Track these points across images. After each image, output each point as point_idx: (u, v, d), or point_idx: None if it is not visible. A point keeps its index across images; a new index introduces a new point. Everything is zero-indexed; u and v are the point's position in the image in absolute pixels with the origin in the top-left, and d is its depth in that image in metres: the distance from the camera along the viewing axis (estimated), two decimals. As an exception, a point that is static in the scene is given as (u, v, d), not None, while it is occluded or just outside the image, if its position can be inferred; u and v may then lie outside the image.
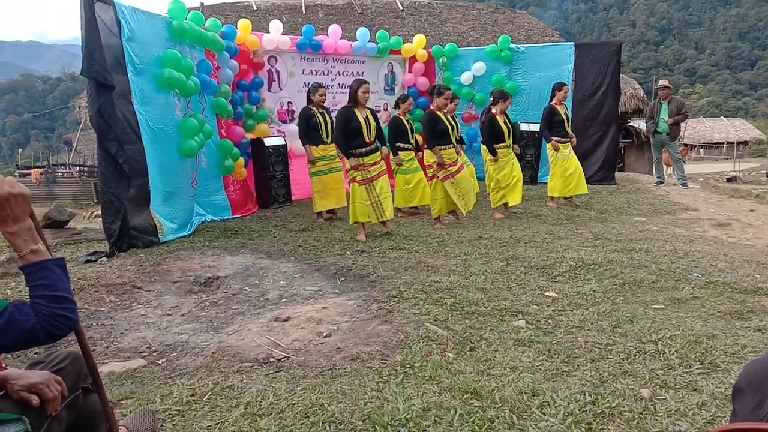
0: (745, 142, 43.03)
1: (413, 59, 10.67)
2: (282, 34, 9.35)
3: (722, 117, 51.16)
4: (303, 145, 7.56)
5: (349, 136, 6.31)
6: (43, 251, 1.59)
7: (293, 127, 9.66)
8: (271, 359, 3.17)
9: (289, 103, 9.74)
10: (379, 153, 6.50)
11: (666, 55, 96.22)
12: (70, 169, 19.58)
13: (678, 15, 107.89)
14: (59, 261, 1.61)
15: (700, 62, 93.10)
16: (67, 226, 6.91)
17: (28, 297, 1.56)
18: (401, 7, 16.79)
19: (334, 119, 7.38)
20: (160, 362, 3.27)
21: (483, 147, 7.97)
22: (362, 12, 16.32)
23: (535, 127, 10.24)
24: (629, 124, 18.68)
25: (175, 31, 6.71)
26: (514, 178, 7.70)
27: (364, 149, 6.34)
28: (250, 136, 8.90)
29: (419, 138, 7.97)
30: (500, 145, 7.63)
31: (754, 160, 33.35)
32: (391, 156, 7.05)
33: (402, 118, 7.52)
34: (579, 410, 2.44)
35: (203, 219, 7.34)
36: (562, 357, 3.06)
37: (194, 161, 7.11)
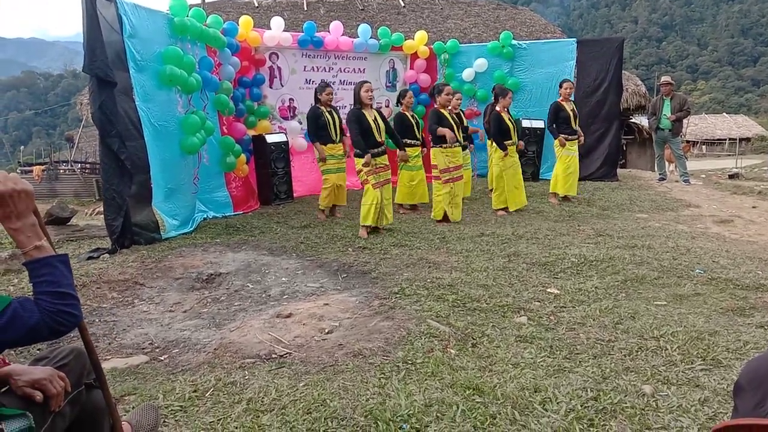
0: (748, 139, 42.92)
1: (415, 56, 10.64)
2: (283, 30, 9.33)
3: (724, 113, 51.02)
4: (312, 143, 7.56)
5: (363, 137, 6.36)
6: (46, 247, 1.59)
7: (295, 124, 9.68)
8: (274, 355, 3.17)
9: (290, 99, 9.73)
10: (386, 156, 6.56)
11: (668, 51, 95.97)
12: (72, 166, 19.59)
13: (680, 11, 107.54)
14: (63, 257, 1.61)
15: (702, 58, 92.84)
16: (69, 223, 6.92)
17: (31, 293, 1.56)
18: (403, 4, 16.76)
19: (341, 118, 7.42)
20: (162, 358, 3.28)
21: (489, 144, 7.96)
22: (364, 8, 16.30)
23: (537, 124, 10.23)
24: (631, 120, 18.66)
25: (177, 27, 6.71)
26: (518, 182, 7.66)
27: (376, 150, 6.39)
28: (251, 132, 8.89)
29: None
30: (508, 142, 7.62)
31: (756, 157, 33.27)
32: (398, 151, 7.03)
33: (406, 113, 7.55)
34: (581, 406, 2.44)
35: (205, 216, 7.35)
36: (564, 353, 3.06)
37: (196, 158, 7.11)
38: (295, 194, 9.09)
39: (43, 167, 17.75)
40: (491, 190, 8.17)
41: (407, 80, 10.60)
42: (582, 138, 8.36)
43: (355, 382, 2.72)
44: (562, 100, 8.24)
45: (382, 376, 2.79)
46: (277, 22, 9.29)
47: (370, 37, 10.04)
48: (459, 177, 7.06)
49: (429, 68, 10.76)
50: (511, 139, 7.65)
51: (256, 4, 15.91)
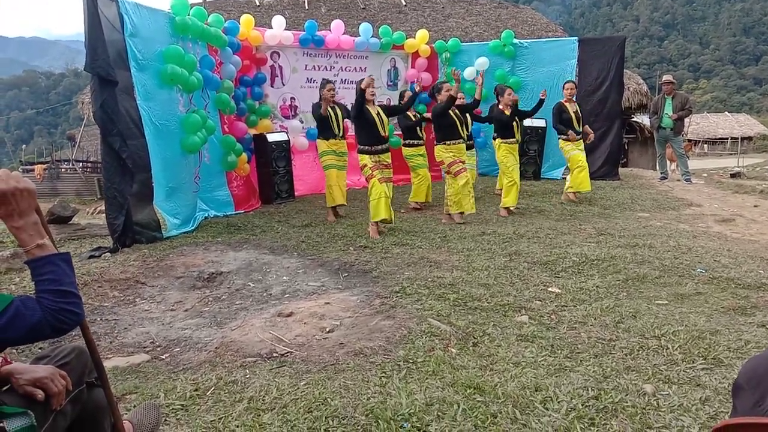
0: (750, 138, 42.83)
1: (416, 55, 10.64)
2: (285, 29, 9.34)
3: (726, 112, 50.93)
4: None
5: (365, 132, 6.39)
6: (48, 246, 1.59)
7: (296, 123, 9.69)
8: (275, 354, 3.18)
9: (291, 98, 9.74)
10: (389, 154, 6.60)
11: (670, 50, 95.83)
12: (73, 164, 19.59)
13: (682, 10, 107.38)
14: (65, 256, 1.61)
15: (704, 57, 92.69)
16: (70, 222, 6.93)
17: (33, 292, 1.57)
18: (404, 3, 16.75)
19: (345, 114, 7.47)
20: (163, 357, 3.29)
21: (495, 141, 7.95)
22: (365, 7, 16.29)
23: (539, 123, 10.22)
24: (633, 119, 18.63)
25: (178, 26, 6.71)
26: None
27: (381, 146, 6.43)
28: (252, 131, 8.90)
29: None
30: (510, 140, 7.61)
31: (758, 156, 33.23)
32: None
33: (408, 112, 7.57)
34: (582, 405, 2.44)
35: (206, 214, 7.35)
36: (565, 352, 3.06)
37: (197, 157, 7.11)
38: (296, 193, 9.10)
39: (44, 166, 17.76)
40: (500, 190, 8.16)
41: (408, 79, 10.59)
42: (591, 135, 8.32)
43: (356, 381, 2.72)
44: (565, 101, 8.24)
45: (383, 375, 2.79)
46: (279, 21, 9.29)
47: (372, 36, 10.04)
48: (466, 169, 7.05)
49: (430, 67, 10.75)
50: (513, 137, 7.65)
51: (258, 3, 15.91)
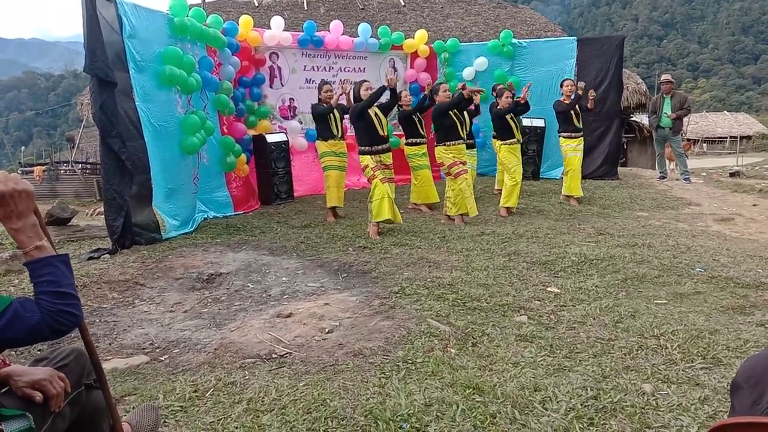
0: (749, 137, 42.84)
1: (415, 55, 10.64)
2: (283, 30, 9.34)
3: (725, 111, 50.92)
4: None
5: (365, 133, 6.40)
6: (47, 247, 1.59)
7: (295, 124, 9.69)
8: (274, 355, 3.18)
9: (290, 99, 9.74)
10: (390, 154, 6.59)
11: (669, 49, 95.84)
12: (72, 166, 19.59)
13: (681, 9, 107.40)
14: (63, 257, 1.61)
15: (703, 56, 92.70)
16: (69, 223, 6.92)
17: (32, 294, 1.57)
18: (403, 3, 16.75)
19: (344, 116, 7.48)
20: (162, 359, 3.28)
21: (495, 143, 7.96)
22: (364, 8, 16.29)
23: (538, 122, 10.23)
24: (632, 118, 18.62)
25: (177, 27, 6.71)
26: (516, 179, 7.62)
27: (381, 146, 6.43)
28: (251, 132, 8.90)
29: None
30: (511, 140, 7.62)
31: (757, 155, 33.27)
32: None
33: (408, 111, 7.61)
34: (581, 405, 2.44)
35: (205, 216, 7.35)
36: (564, 352, 3.06)
37: (196, 158, 7.11)
38: (295, 194, 9.09)
39: (43, 168, 17.76)
40: (499, 190, 8.16)
41: (407, 79, 10.60)
42: (591, 99, 8.26)
43: (356, 382, 2.72)
44: (563, 100, 8.25)
45: (383, 375, 2.79)
46: (277, 22, 9.30)
47: (370, 36, 10.04)
48: (466, 170, 7.04)
49: (429, 67, 10.74)
50: (514, 137, 7.65)
51: (256, 4, 15.91)
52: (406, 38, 10.57)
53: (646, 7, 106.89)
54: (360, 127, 6.44)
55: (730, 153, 35.37)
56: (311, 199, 9.04)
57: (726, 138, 41.77)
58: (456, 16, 16.67)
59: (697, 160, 28.52)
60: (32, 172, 17.62)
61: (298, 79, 9.70)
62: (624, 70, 12.00)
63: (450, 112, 6.84)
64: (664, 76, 10.80)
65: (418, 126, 7.70)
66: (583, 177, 9.16)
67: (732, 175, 12.21)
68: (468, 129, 7.78)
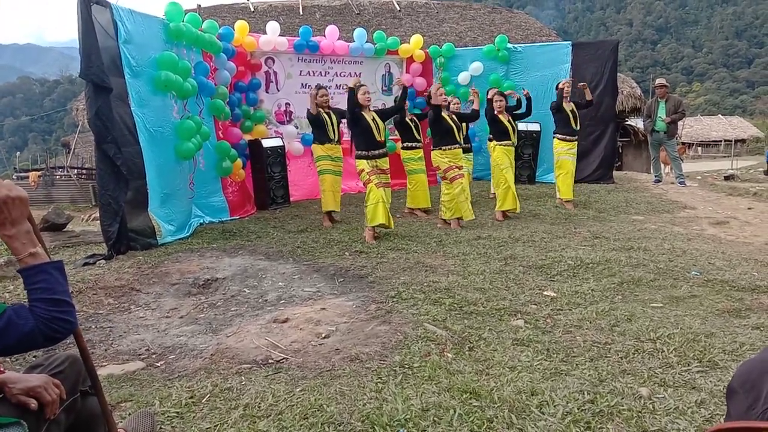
0: (743, 140, 43.11)
1: (411, 60, 10.66)
2: (279, 35, 9.34)
3: (720, 115, 51.19)
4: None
5: (362, 138, 6.40)
6: (41, 254, 1.59)
7: (291, 128, 9.69)
8: (270, 361, 3.17)
9: (286, 104, 9.75)
10: (387, 159, 6.61)
11: (663, 53, 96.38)
12: (68, 171, 19.56)
13: (675, 13, 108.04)
14: (57, 264, 1.61)
15: (697, 60, 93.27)
16: (65, 229, 6.92)
17: (26, 300, 1.56)
18: (398, 8, 16.79)
19: (341, 120, 7.49)
20: (158, 364, 3.27)
21: (489, 144, 7.97)
22: (359, 13, 16.32)
23: (533, 127, 10.25)
24: (627, 122, 18.69)
25: (172, 33, 6.71)
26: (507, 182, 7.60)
27: (378, 151, 6.44)
28: (247, 137, 8.89)
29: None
30: (507, 142, 7.64)
31: (751, 158, 33.42)
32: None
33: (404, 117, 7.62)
34: (578, 409, 2.44)
35: (201, 221, 7.33)
36: (560, 356, 3.06)
37: (192, 163, 7.10)
38: (291, 198, 9.09)
39: (39, 173, 17.73)
40: (494, 194, 8.17)
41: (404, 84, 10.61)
42: (587, 91, 8.31)
43: (352, 387, 2.71)
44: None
45: (379, 380, 2.79)
46: (273, 27, 9.31)
47: (366, 42, 10.07)
48: (462, 175, 7.04)
49: (425, 72, 10.78)
50: (509, 139, 7.68)
51: (252, 9, 15.92)
52: (401, 43, 10.60)
53: (640, 11, 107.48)
54: (357, 132, 6.44)
55: (724, 156, 35.56)
56: (307, 203, 9.04)
57: (721, 141, 42.01)
58: (451, 21, 16.71)
59: (692, 163, 28.64)
60: (27, 177, 17.57)
61: (293, 84, 9.71)
62: (619, 74, 12.06)
63: (446, 116, 6.87)
64: (659, 81, 10.85)
65: (414, 130, 7.73)
66: (579, 181, 9.19)
67: (727, 178, 12.27)
68: (464, 133, 7.80)
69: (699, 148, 41.91)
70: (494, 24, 16.80)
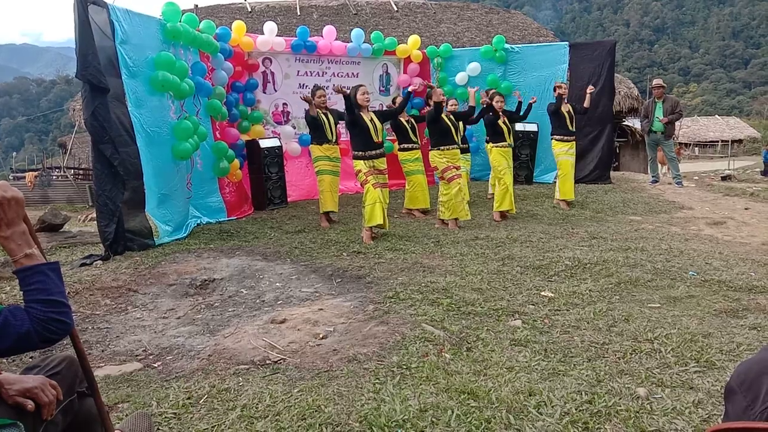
0: (740, 141, 43.17)
1: (408, 60, 10.67)
2: (276, 35, 9.34)
3: (717, 115, 51.29)
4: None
5: (359, 138, 6.40)
6: (37, 255, 1.58)
7: (288, 129, 9.68)
8: (268, 361, 3.16)
9: (284, 104, 9.74)
10: (384, 159, 6.60)
11: (660, 54, 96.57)
12: (64, 172, 19.52)
13: (672, 14, 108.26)
14: (53, 265, 1.60)
15: (694, 61, 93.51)
16: (62, 230, 6.89)
17: (22, 301, 1.55)
18: (396, 8, 16.79)
19: (338, 121, 7.49)
20: (156, 365, 3.26)
21: (487, 146, 7.98)
22: (357, 13, 16.31)
23: (531, 127, 10.26)
24: (624, 123, 18.72)
25: (169, 33, 6.70)
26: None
27: (375, 151, 6.42)
28: (245, 137, 8.88)
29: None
30: (502, 143, 7.64)
31: (748, 159, 33.49)
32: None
33: (401, 118, 7.59)
34: (576, 409, 2.44)
35: (198, 221, 7.32)
36: (558, 356, 3.06)
37: (189, 163, 7.09)
38: (289, 199, 9.08)
39: (35, 173, 17.68)
40: (491, 195, 8.18)
41: (401, 84, 10.62)
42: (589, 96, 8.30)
43: (350, 388, 2.71)
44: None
45: (377, 381, 2.78)
46: (270, 27, 9.30)
47: (364, 42, 10.06)
48: (460, 175, 7.04)
49: (422, 72, 10.78)
50: (505, 140, 7.69)
51: (249, 9, 15.90)
52: (399, 43, 10.60)
53: (637, 12, 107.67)
54: (355, 133, 6.44)
55: (721, 157, 35.62)
56: (305, 204, 9.03)
57: (717, 142, 42.08)
58: (449, 22, 16.72)
59: (689, 163, 28.70)
60: (24, 178, 17.53)
61: (291, 84, 9.70)
62: (616, 74, 12.07)
63: (443, 116, 6.87)
64: (656, 81, 10.86)
65: (410, 132, 7.71)
66: (576, 181, 9.19)
67: (724, 178, 12.30)
68: (462, 133, 7.81)
69: (696, 149, 41.98)
70: (492, 24, 16.82)
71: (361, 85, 6.53)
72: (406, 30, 15.12)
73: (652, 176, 11.09)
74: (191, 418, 2.49)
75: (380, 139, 6.49)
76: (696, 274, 4.72)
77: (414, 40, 10.60)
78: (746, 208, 8.53)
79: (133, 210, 5.99)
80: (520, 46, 11.48)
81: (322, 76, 9.95)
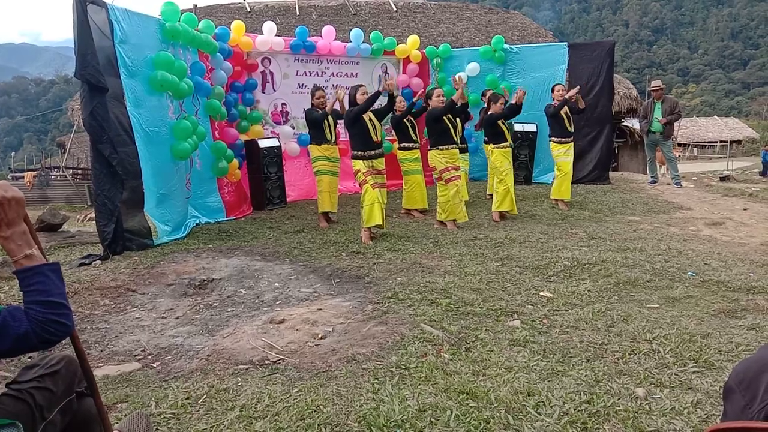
0: (739, 141, 43.25)
1: (407, 60, 10.67)
2: (276, 35, 9.34)
3: (715, 116, 51.38)
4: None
5: (358, 138, 6.40)
6: (37, 256, 1.57)
7: (287, 129, 9.68)
8: (267, 361, 3.16)
9: (283, 104, 9.73)
10: (383, 159, 6.59)
11: (659, 54, 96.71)
12: (63, 171, 19.50)
13: (671, 15, 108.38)
14: (54, 266, 1.59)
15: (693, 62, 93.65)
16: (60, 229, 6.88)
17: (21, 302, 1.55)
18: (395, 8, 16.79)
19: (336, 119, 7.48)
20: (154, 365, 3.26)
21: (487, 147, 7.98)
22: (356, 13, 16.32)
23: (530, 128, 10.26)
24: (623, 123, 18.74)
25: (168, 33, 6.69)
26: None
27: (374, 151, 6.43)
28: (244, 137, 8.88)
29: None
30: (504, 144, 7.65)
31: (747, 159, 33.56)
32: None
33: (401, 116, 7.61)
34: (574, 410, 2.44)
35: (197, 221, 7.32)
36: (557, 357, 3.06)
37: (188, 163, 7.09)
38: (288, 199, 9.08)
39: (34, 173, 17.67)
40: (490, 196, 8.17)
41: (400, 84, 10.62)
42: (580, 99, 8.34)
43: (349, 388, 2.71)
44: (555, 104, 8.28)
45: (376, 381, 2.78)
46: (270, 27, 9.30)
47: (363, 42, 10.06)
48: (458, 177, 7.04)
49: (421, 72, 10.78)
50: (506, 141, 7.69)
51: (249, 9, 15.90)
52: (398, 44, 10.60)
53: (636, 12, 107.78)
54: (354, 132, 6.45)
55: (720, 157, 35.68)
56: (304, 204, 9.03)
57: (716, 142, 42.14)
58: (448, 22, 16.73)
59: (688, 164, 28.74)
60: (23, 177, 17.52)
61: (290, 84, 9.70)
62: (615, 75, 12.08)
63: (443, 116, 6.87)
64: (654, 83, 10.85)
65: (410, 131, 7.72)
66: (575, 182, 9.20)
67: (722, 179, 12.31)
68: (461, 133, 7.80)
69: (695, 149, 42.05)
70: (491, 25, 16.83)
71: (360, 85, 6.53)
72: (405, 30, 15.14)
73: (651, 177, 11.10)
74: (190, 418, 2.49)
75: (379, 139, 6.50)
76: (695, 274, 4.72)
77: (413, 40, 10.60)
78: (745, 209, 8.54)
79: (132, 210, 5.99)
80: (519, 46, 11.48)
81: (321, 76, 9.95)
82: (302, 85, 9.70)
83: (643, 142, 12.66)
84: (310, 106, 7.48)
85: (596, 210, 8.28)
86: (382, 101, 6.77)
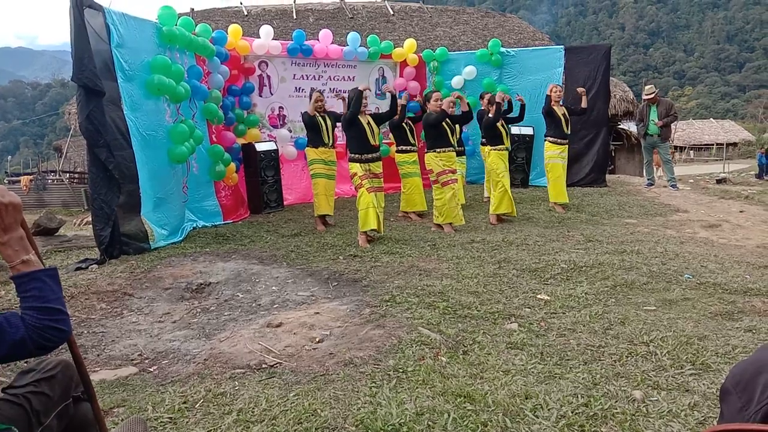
0: (735, 144, 43.38)
1: (404, 63, 10.69)
2: (273, 39, 9.35)
3: (711, 119, 51.54)
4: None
5: (355, 141, 6.41)
6: (34, 261, 1.56)
7: (284, 132, 9.68)
8: (264, 365, 3.16)
9: (280, 108, 9.74)
10: (380, 163, 6.58)
11: (655, 57, 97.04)
12: (60, 175, 19.46)
13: (666, 18, 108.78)
14: (51, 271, 1.58)
15: (689, 65, 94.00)
16: (57, 234, 6.87)
17: (18, 307, 1.55)
18: (392, 12, 16.82)
19: (334, 122, 7.49)
20: (151, 370, 3.25)
21: (483, 149, 7.99)
22: (353, 17, 16.34)
23: (527, 130, 10.28)
24: (619, 126, 18.78)
25: (165, 36, 6.70)
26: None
27: (371, 155, 6.43)
28: (241, 141, 8.88)
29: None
30: (501, 147, 7.66)
31: (743, 162, 33.65)
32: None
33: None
34: (572, 412, 2.45)
35: (194, 225, 7.31)
36: (554, 359, 3.07)
37: (185, 167, 7.08)
38: (285, 202, 9.07)
39: (30, 177, 17.63)
40: (488, 198, 8.18)
41: (397, 88, 10.63)
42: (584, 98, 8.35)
43: (346, 392, 2.71)
44: (552, 104, 8.28)
45: (373, 384, 2.78)
46: (266, 31, 9.30)
47: (360, 45, 10.07)
48: (455, 180, 7.05)
49: (418, 76, 10.80)
50: (503, 144, 7.70)
51: (245, 13, 15.92)
52: (395, 47, 10.62)
53: (632, 16, 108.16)
54: (351, 135, 6.45)
55: (716, 160, 35.78)
56: (301, 207, 9.02)
57: (712, 145, 42.26)
58: (444, 25, 16.76)
59: (685, 166, 28.81)
60: (19, 182, 17.48)
61: (287, 88, 9.70)
62: (611, 78, 12.13)
63: (440, 122, 6.89)
64: (647, 88, 10.86)
65: (408, 134, 7.73)
66: (572, 184, 9.22)
67: (719, 181, 12.34)
68: (458, 136, 7.81)
69: (691, 152, 42.16)
70: (487, 28, 16.87)
71: (359, 89, 6.52)
72: (402, 34, 15.16)
73: (648, 179, 11.12)
74: (187, 422, 2.48)
75: (377, 143, 6.50)
76: (691, 276, 4.73)
77: (410, 43, 10.62)
78: (741, 211, 8.57)
79: (129, 214, 5.98)
80: (515, 49, 11.51)
81: (318, 79, 9.96)
82: (299, 88, 9.71)
83: (639, 145, 12.71)
84: (306, 110, 7.48)
85: (593, 213, 8.29)
86: (381, 105, 6.78)
